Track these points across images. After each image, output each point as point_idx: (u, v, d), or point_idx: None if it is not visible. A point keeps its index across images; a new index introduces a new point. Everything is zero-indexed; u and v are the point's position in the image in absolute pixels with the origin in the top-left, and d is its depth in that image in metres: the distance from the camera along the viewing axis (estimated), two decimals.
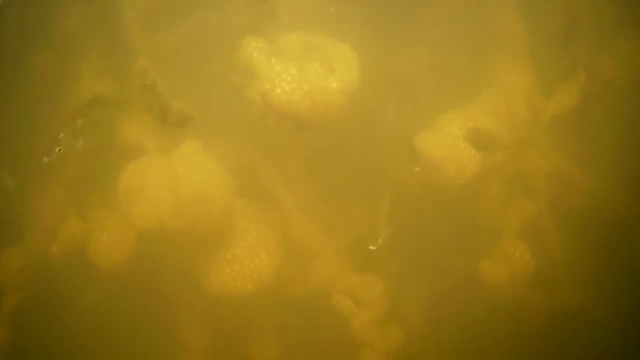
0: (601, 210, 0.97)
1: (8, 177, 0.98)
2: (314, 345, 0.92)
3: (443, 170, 0.93)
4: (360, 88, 0.93)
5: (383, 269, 0.94)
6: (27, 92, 1.02)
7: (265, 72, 0.92)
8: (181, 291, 0.93)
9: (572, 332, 0.93)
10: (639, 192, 0.98)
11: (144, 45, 1.00)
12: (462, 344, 0.92)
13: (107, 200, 0.92)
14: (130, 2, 1.03)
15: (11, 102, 1.01)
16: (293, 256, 0.93)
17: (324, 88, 0.91)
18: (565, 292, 0.95)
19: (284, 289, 0.93)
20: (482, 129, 0.94)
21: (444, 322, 0.93)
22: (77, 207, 0.95)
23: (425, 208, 0.95)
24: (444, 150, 0.93)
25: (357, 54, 0.94)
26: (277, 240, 0.93)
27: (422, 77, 1.00)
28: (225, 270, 0.91)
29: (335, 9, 1.01)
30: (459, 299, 0.93)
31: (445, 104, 0.97)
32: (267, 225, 0.94)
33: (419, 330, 0.93)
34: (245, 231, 0.93)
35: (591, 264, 0.95)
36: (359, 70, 0.93)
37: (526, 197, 0.97)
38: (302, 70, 0.91)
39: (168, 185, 0.89)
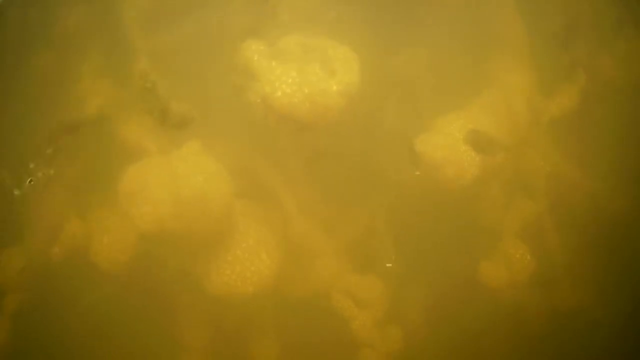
0: (601, 211, 0.97)
1: (8, 177, 0.97)
2: (314, 346, 0.92)
3: (443, 172, 0.93)
4: (360, 90, 0.93)
5: (383, 270, 0.94)
6: (27, 92, 1.02)
7: (265, 74, 0.92)
8: (181, 292, 0.93)
9: (572, 332, 0.94)
10: (639, 192, 0.98)
11: (144, 46, 1.00)
12: (462, 345, 0.92)
13: (108, 201, 0.92)
14: (131, 2, 1.03)
15: (11, 102, 1.01)
16: (293, 257, 0.93)
17: (325, 90, 0.91)
18: (566, 293, 0.95)
19: (284, 290, 0.93)
20: (481, 131, 0.94)
21: (444, 323, 0.93)
22: (78, 208, 0.95)
23: (426, 209, 0.95)
24: (444, 152, 0.93)
25: (357, 55, 0.94)
26: (277, 241, 0.93)
27: (422, 77, 1.00)
28: (225, 271, 0.91)
29: (335, 10, 1.01)
30: (459, 299, 0.94)
31: (445, 104, 0.97)
32: (267, 226, 0.94)
33: (419, 330, 0.93)
34: (246, 232, 0.93)
35: (591, 264, 0.96)
36: (359, 71, 0.93)
37: (526, 198, 0.97)
38: (303, 72, 0.91)
39: (168, 186, 0.89)
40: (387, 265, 0.93)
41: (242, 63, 0.93)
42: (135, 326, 0.93)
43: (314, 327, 0.93)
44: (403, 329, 0.92)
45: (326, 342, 0.92)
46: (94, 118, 0.99)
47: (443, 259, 0.94)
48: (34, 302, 0.94)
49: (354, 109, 0.93)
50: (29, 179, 0.96)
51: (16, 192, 0.96)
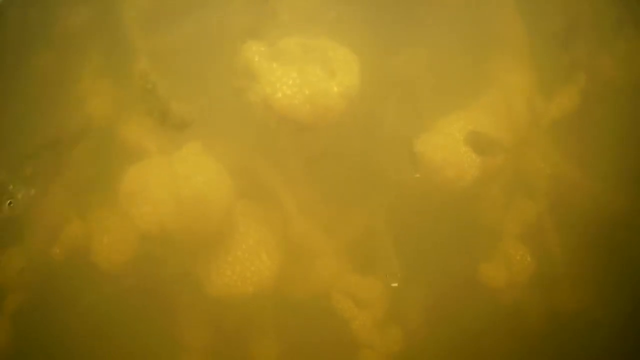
0: (601, 211, 0.97)
1: (8, 177, 0.97)
2: (314, 346, 0.92)
3: (443, 173, 0.93)
4: (360, 91, 0.93)
5: (384, 271, 0.94)
6: (27, 92, 1.01)
7: (266, 75, 0.92)
8: (182, 292, 0.93)
9: (572, 332, 0.94)
10: (639, 192, 0.98)
11: (144, 46, 1.00)
12: (462, 345, 0.92)
13: (108, 201, 0.93)
14: (131, 3, 1.03)
15: (11, 102, 1.01)
16: (293, 257, 0.93)
17: (325, 92, 0.91)
18: (566, 293, 0.95)
19: (284, 290, 0.93)
20: (481, 132, 0.94)
21: (444, 323, 0.93)
22: (78, 208, 0.95)
23: (426, 210, 0.95)
24: (444, 153, 0.93)
25: (358, 56, 0.94)
26: (277, 242, 0.93)
27: (422, 77, 1.00)
28: (225, 271, 0.91)
29: (335, 10, 1.01)
30: (459, 300, 0.94)
31: (445, 105, 0.97)
32: (267, 226, 0.94)
33: (419, 331, 0.93)
34: (246, 232, 0.93)
35: (591, 264, 0.96)
36: (359, 72, 0.93)
37: (526, 199, 0.97)
38: (303, 73, 0.91)
39: (169, 187, 0.89)
40: (393, 285, 0.93)
41: (243, 64, 0.93)
42: (135, 326, 0.93)
43: (314, 327, 0.93)
44: (403, 329, 0.93)
45: (326, 343, 0.92)
46: (93, 118, 0.99)
47: (443, 260, 0.94)
48: (34, 302, 0.94)
49: (354, 109, 0.93)
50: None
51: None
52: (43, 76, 1.02)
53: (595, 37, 1.05)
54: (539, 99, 1.00)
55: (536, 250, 0.95)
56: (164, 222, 0.89)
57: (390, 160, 0.95)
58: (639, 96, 1.03)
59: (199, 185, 0.90)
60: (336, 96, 0.91)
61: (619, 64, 1.04)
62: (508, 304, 0.94)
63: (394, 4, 1.05)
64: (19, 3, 1.06)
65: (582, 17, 1.05)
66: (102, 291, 0.93)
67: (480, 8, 1.06)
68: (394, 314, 0.93)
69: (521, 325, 0.94)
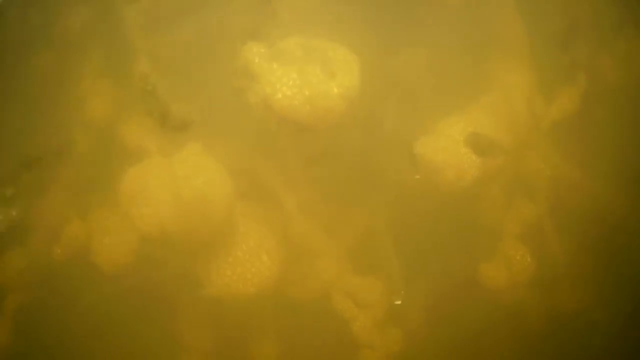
0: (602, 212, 0.97)
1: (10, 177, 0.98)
2: (314, 347, 0.92)
3: (443, 174, 0.93)
4: (360, 91, 0.93)
5: (384, 271, 0.94)
6: (27, 92, 1.01)
7: (266, 76, 0.92)
8: (182, 292, 0.93)
9: (572, 333, 0.94)
10: (639, 193, 0.98)
11: (145, 46, 1.00)
12: (462, 346, 0.92)
13: (109, 202, 0.93)
14: (131, 3, 1.03)
15: (11, 102, 1.01)
16: (294, 258, 0.94)
17: (325, 93, 0.91)
18: (565, 294, 0.95)
19: (284, 291, 0.93)
20: (481, 133, 0.94)
21: (444, 324, 0.93)
22: (79, 209, 0.95)
23: (426, 210, 0.95)
24: (444, 154, 0.93)
25: (358, 57, 0.94)
26: (277, 242, 0.93)
27: (423, 78, 1.00)
28: (226, 272, 0.91)
29: (335, 10, 1.01)
30: (459, 300, 0.94)
31: (445, 105, 0.97)
32: (267, 227, 0.94)
33: (419, 331, 0.93)
34: (246, 233, 0.93)
35: (591, 265, 0.96)
36: (360, 73, 0.93)
37: (527, 200, 0.97)
38: (303, 74, 0.91)
39: (169, 187, 0.90)
40: (396, 302, 0.93)
41: (243, 64, 0.93)
42: (135, 326, 0.93)
43: (314, 327, 0.93)
44: (403, 329, 0.93)
45: (326, 343, 0.92)
46: (93, 119, 0.99)
47: (443, 260, 0.94)
48: (35, 302, 0.94)
49: (354, 110, 0.93)
50: None
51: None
52: (43, 76, 1.02)
53: (595, 37, 1.05)
54: (539, 100, 1.00)
55: (536, 250, 0.95)
56: (164, 222, 0.89)
57: (390, 161, 0.95)
58: (639, 96, 1.03)
59: (199, 186, 0.90)
60: (336, 97, 0.91)
61: (619, 64, 1.04)
62: (508, 304, 0.94)
63: (394, 4, 1.04)
64: (19, 3, 1.05)
65: (582, 17, 1.05)
66: (103, 291, 0.93)
67: (480, 8, 1.06)
68: (394, 314, 0.93)
69: (521, 326, 0.94)
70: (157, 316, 0.94)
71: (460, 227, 0.96)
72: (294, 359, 0.93)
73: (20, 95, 1.01)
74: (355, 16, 1.02)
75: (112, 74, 1.01)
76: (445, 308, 0.94)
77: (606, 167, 0.98)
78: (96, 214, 0.94)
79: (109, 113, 0.98)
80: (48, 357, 0.94)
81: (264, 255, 0.92)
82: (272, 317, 0.93)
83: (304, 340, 0.93)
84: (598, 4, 1.06)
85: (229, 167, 0.92)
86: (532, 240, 0.95)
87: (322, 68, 0.92)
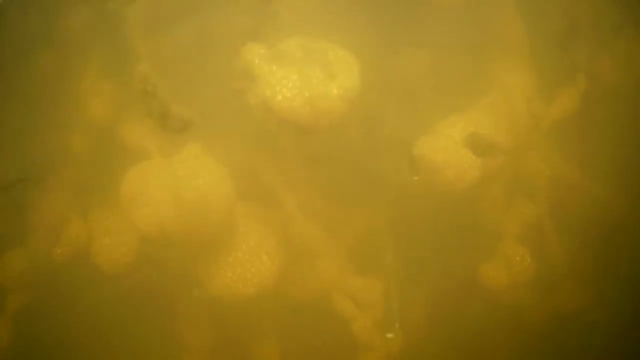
0: (602, 212, 0.97)
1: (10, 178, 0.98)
2: (314, 347, 0.92)
3: (443, 174, 0.92)
4: (360, 93, 0.92)
5: (384, 272, 0.94)
6: (27, 92, 1.01)
7: (266, 77, 0.91)
8: (182, 293, 0.93)
9: (572, 333, 0.94)
10: (639, 193, 0.98)
11: (145, 47, 0.99)
12: (463, 346, 0.93)
13: (109, 203, 0.93)
14: (131, 3, 1.03)
15: (11, 102, 1.01)
16: (294, 258, 0.93)
17: (325, 94, 0.90)
18: (566, 294, 0.95)
19: (284, 291, 0.93)
20: (481, 133, 0.94)
21: (445, 324, 0.94)
22: (80, 209, 0.95)
23: (426, 211, 0.95)
24: (444, 154, 0.92)
25: (358, 58, 0.94)
26: (278, 242, 0.93)
27: (423, 78, 1.00)
28: (226, 273, 0.91)
29: (335, 11, 1.01)
30: (460, 301, 0.94)
31: (445, 106, 0.96)
32: (268, 227, 0.94)
33: (419, 332, 0.93)
34: (247, 234, 0.93)
35: (591, 265, 0.96)
36: (360, 74, 0.93)
37: (527, 200, 0.97)
38: (303, 76, 0.91)
39: (169, 188, 0.90)
40: (389, 335, 0.94)
41: (243, 66, 0.93)
42: (135, 327, 0.93)
43: (314, 328, 0.93)
44: (403, 330, 0.93)
45: (326, 343, 0.93)
46: (94, 119, 0.99)
47: (443, 260, 0.95)
48: (35, 302, 0.94)
49: (354, 111, 0.93)
50: None
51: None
52: (43, 76, 1.02)
53: (595, 37, 1.05)
54: (539, 100, 1.00)
55: (536, 250, 0.95)
56: (165, 223, 0.89)
57: (390, 162, 0.95)
58: (639, 96, 1.03)
59: (199, 186, 0.90)
60: (336, 98, 0.91)
61: (619, 64, 1.04)
62: (508, 305, 0.94)
63: (394, 4, 1.04)
64: (19, 3, 1.05)
65: (582, 17, 1.05)
66: (103, 291, 0.93)
67: (480, 8, 1.06)
68: (395, 314, 0.93)
69: (521, 326, 0.94)
70: (157, 316, 0.94)
71: (460, 227, 0.96)
72: (294, 359, 0.93)
73: (20, 95, 1.01)
74: (356, 17, 1.01)
75: (112, 74, 1.01)
76: (446, 308, 0.94)
77: (606, 167, 0.98)
78: (96, 214, 0.94)
79: (109, 113, 0.98)
80: (48, 357, 0.94)
81: (264, 256, 0.92)
82: (272, 317, 0.94)
83: (304, 341, 0.93)
84: (598, 4, 1.06)
85: (229, 168, 0.92)
86: (532, 240, 0.95)
87: (322, 69, 0.92)
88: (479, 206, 0.96)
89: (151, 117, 0.95)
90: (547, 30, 1.04)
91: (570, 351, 0.93)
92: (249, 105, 0.92)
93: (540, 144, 0.99)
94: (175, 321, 0.94)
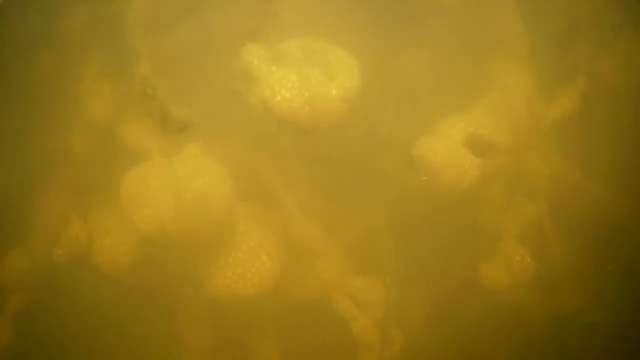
0: (602, 212, 0.97)
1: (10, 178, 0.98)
2: (314, 347, 0.92)
3: (443, 174, 0.92)
4: (360, 93, 0.92)
5: (384, 272, 0.95)
6: (27, 92, 1.01)
7: (265, 78, 0.91)
8: (182, 293, 0.93)
9: (572, 333, 0.94)
10: (639, 194, 0.98)
11: (145, 47, 0.99)
12: (463, 347, 0.93)
13: (109, 203, 0.93)
14: (132, 4, 1.03)
15: (11, 102, 1.01)
16: (294, 258, 0.93)
17: (324, 95, 0.90)
18: (566, 295, 0.95)
19: (284, 291, 0.93)
20: (480, 134, 0.94)
21: (445, 324, 0.94)
22: (80, 209, 0.95)
23: (426, 211, 0.95)
24: (444, 155, 0.92)
25: (358, 58, 0.94)
26: (278, 242, 0.93)
27: (423, 78, 1.00)
28: (226, 273, 0.91)
29: (335, 11, 1.01)
30: (460, 301, 0.94)
31: (445, 106, 0.96)
32: (268, 227, 0.94)
33: (419, 332, 0.93)
34: (247, 234, 0.93)
35: (592, 266, 0.96)
36: (360, 75, 0.93)
37: (527, 200, 0.97)
38: (302, 76, 0.91)
39: (169, 188, 0.90)
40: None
41: (242, 66, 0.93)
42: (135, 327, 0.93)
43: (314, 328, 0.93)
44: (403, 330, 0.93)
45: (326, 343, 0.93)
46: (94, 119, 0.99)
47: (443, 260, 0.95)
48: (36, 302, 0.94)
49: (354, 111, 0.93)
50: None
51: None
52: (43, 77, 1.02)
53: (595, 37, 1.04)
54: (539, 100, 1.00)
55: (536, 250, 0.95)
56: (165, 223, 0.89)
57: (390, 162, 0.95)
58: (639, 96, 1.03)
59: (199, 187, 0.90)
60: (335, 99, 0.91)
61: (619, 64, 1.04)
62: (508, 305, 0.94)
63: (394, 4, 1.04)
64: (19, 3, 1.05)
65: (582, 17, 1.05)
66: (103, 292, 0.93)
67: (480, 8, 1.06)
68: (395, 315, 0.93)
69: (521, 326, 0.94)
70: (157, 316, 0.94)
71: (460, 227, 0.96)
72: (294, 359, 0.93)
73: (20, 95, 1.01)
74: (356, 17, 1.01)
75: (112, 74, 1.01)
76: (445, 308, 0.94)
77: (606, 167, 0.98)
78: (96, 214, 0.94)
79: (109, 113, 0.98)
80: (48, 357, 0.94)
81: (264, 256, 0.92)
82: (272, 317, 0.94)
83: (304, 341, 0.93)
84: (598, 4, 1.06)
85: (229, 168, 0.92)
86: (532, 240, 0.95)
87: (322, 70, 0.92)
88: (479, 206, 0.96)
89: (151, 118, 0.95)
90: (547, 30, 1.04)
91: (570, 351, 0.93)
92: (248, 106, 0.92)
93: (540, 144, 0.99)
94: (175, 321, 0.94)
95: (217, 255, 0.91)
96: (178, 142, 0.94)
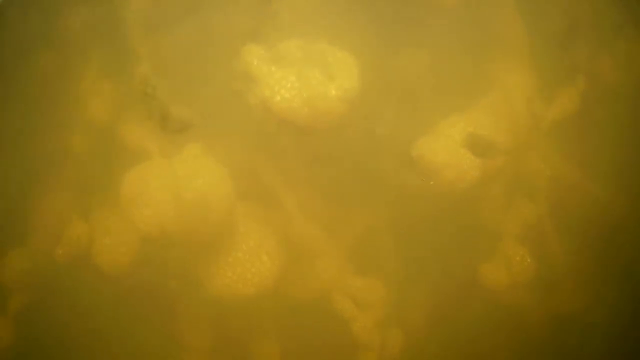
0: (602, 212, 0.97)
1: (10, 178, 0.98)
2: (314, 347, 0.92)
3: (443, 175, 0.93)
4: (360, 93, 0.93)
5: (384, 272, 0.95)
6: (27, 92, 1.01)
7: (265, 78, 0.92)
8: (182, 293, 0.93)
9: (572, 333, 0.94)
10: (639, 194, 0.98)
11: (145, 47, 0.99)
12: (463, 346, 0.93)
13: (110, 203, 0.93)
14: (132, 4, 1.03)
15: (11, 102, 1.01)
16: (294, 258, 0.94)
17: (323, 95, 0.91)
18: (566, 295, 0.95)
19: (284, 291, 0.93)
20: (480, 134, 0.94)
21: (445, 324, 0.94)
22: (80, 209, 0.95)
23: (426, 211, 0.95)
24: (443, 155, 0.92)
25: (357, 58, 0.94)
26: (278, 242, 0.93)
27: (422, 78, 1.00)
28: (227, 273, 0.91)
29: (335, 11, 1.01)
30: (460, 301, 0.94)
31: (445, 106, 0.97)
32: (268, 227, 0.94)
33: (419, 332, 0.93)
34: (247, 234, 0.93)
35: (591, 265, 0.96)
36: (359, 75, 0.93)
37: (527, 200, 0.97)
38: (302, 77, 0.91)
39: (169, 188, 0.90)
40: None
41: (242, 67, 0.93)
42: (136, 327, 0.93)
43: (314, 328, 0.93)
44: (403, 330, 0.93)
45: (326, 343, 0.93)
46: (94, 119, 0.99)
47: (443, 260, 0.95)
48: (36, 303, 0.94)
49: (354, 112, 0.93)
50: None
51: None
52: (43, 77, 1.02)
53: (595, 37, 1.04)
54: (539, 100, 1.00)
55: (536, 250, 0.95)
56: (165, 223, 0.89)
57: (390, 162, 0.95)
58: (639, 96, 1.03)
59: (199, 187, 0.90)
60: (334, 99, 0.91)
61: (619, 64, 1.03)
62: (508, 305, 0.94)
63: (393, 4, 1.04)
64: (19, 3, 1.05)
65: (582, 17, 1.05)
66: (103, 292, 0.93)
67: (480, 8, 1.06)
68: (395, 315, 0.93)
69: (521, 326, 0.94)
70: (157, 316, 0.94)
71: (460, 228, 0.96)
72: (294, 359, 0.93)
73: (20, 95, 1.01)
74: (356, 17, 1.01)
75: (112, 74, 1.01)
76: (445, 308, 0.94)
77: (606, 167, 0.98)
78: (97, 215, 0.94)
79: (109, 113, 0.98)
80: (49, 357, 0.94)
81: (264, 256, 0.92)
82: (272, 317, 0.94)
83: (304, 341, 0.93)
84: (598, 4, 1.06)
85: (229, 168, 0.92)
86: (532, 240, 0.95)
87: (321, 70, 0.92)
88: (479, 206, 0.96)
89: (151, 118, 0.95)
90: (547, 30, 1.04)
91: (570, 351, 0.93)
92: (248, 106, 0.93)
93: (540, 144, 0.98)
94: (175, 321, 0.94)
95: (217, 255, 0.91)
96: (178, 142, 0.94)
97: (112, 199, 0.92)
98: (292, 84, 0.91)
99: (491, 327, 0.93)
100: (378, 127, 0.96)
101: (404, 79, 0.99)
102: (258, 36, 0.96)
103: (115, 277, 0.92)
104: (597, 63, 1.03)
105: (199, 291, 0.92)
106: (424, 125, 0.95)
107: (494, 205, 0.96)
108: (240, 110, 0.93)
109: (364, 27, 1.00)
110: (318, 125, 0.92)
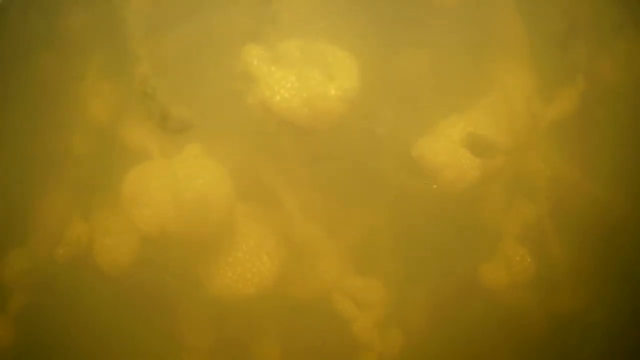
0: (602, 212, 0.97)
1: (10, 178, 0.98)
2: (315, 347, 0.92)
3: (443, 175, 0.93)
4: (360, 94, 0.93)
5: (384, 272, 0.95)
6: (27, 92, 1.01)
7: (265, 78, 0.92)
8: (182, 293, 0.93)
9: (572, 333, 0.94)
10: (639, 194, 0.98)
11: (145, 47, 0.99)
12: (463, 346, 0.92)
13: (110, 203, 0.93)
14: (132, 5, 1.03)
15: (11, 102, 1.01)
16: (294, 258, 0.94)
17: (323, 95, 0.91)
18: (566, 295, 0.95)
19: (285, 291, 0.93)
20: (480, 134, 0.94)
21: (445, 324, 0.94)
22: (81, 209, 0.95)
23: (426, 211, 0.95)
24: (443, 155, 0.92)
25: (357, 58, 0.94)
26: (278, 242, 0.93)
27: (422, 78, 1.00)
28: (227, 273, 0.91)
29: (335, 12, 1.01)
30: (460, 301, 0.94)
31: (445, 106, 0.96)
32: (268, 227, 0.94)
33: (419, 332, 0.93)
34: (247, 234, 0.93)
35: (591, 265, 0.96)
36: (359, 75, 0.93)
37: (527, 200, 0.97)
38: (302, 77, 0.91)
39: (170, 189, 0.90)
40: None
41: (242, 67, 0.93)
42: (136, 327, 0.93)
43: (315, 328, 0.93)
44: (403, 330, 0.93)
45: (327, 343, 0.93)
46: (94, 119, 0.99)
47: (443, 260, 0.94)
48: (37, 303, 0.94)
49: (353, 112, 0.93)
50: None
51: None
52: (43, 77, 1.02)
53: (595, 37, 1.04)
54: (539, 100, 1.00)
55: (536, 251, 0.95)
56: (165, 223, 0.90)
57: (390, 162, 0.95)
58: (639, 96, 1.03)
59: (199, 187, 0.90)
60: (334, 99, 0.91)
61: (619, 64, 1.03)
62: (508, 305, 0.94)
63: (394, 4, 1.04)
64: (19, 3, 1.05)
65: (582, 18, 1.05)
66: (104, 292, 0.93)
67: (480, 8, 1.05)
68: (395, 315, 0.93)
69: (521, 326, 0.94)
70: (157, 316, 0.94)
71: (461, 228, 0.96)
72: (294, 359, 0.93)
73: (20, 95, 1.01)
74: (356, 17, 1.01)
75: (112, 74, 1.00)
76: (446, 308, 0.94)
77: (606, 167, 0.98)
78: (97, 215, 0.94)
79: (109, 114, 0.98)
80: (49, 357, 0.94)
81: (264, 256, 0.92)
82: (273, 317, 0.94)
83: (304, 340, 0.93)
84: (598, 4, 1.06)
85: (229, 168, 0.92)
86: (532, 240, 0.95)
87: (321, 70, 0.92)
88: (479, 206, 0.96)
89: (151, 118, 0.95)
90: (547, 30, 1.04)
91: (570, 351, 0.93)
92: (248, 106, 0.93)
93: (540, 144, 0.98)
94: (176, 321, 0.94)
95: (217, 255, 0.91)
96: (178, 142, 0.94)
97: (112, 199, 0.92)
98: (292, 84, 0.91)
99: (491, 327, 0.93)
100: (378, 127, 0.96)
101: (404, 79, 0.99)
102: (258, 36, 0.96)
103: (115, 277, 0.92)
104: (597, 63, 1.03)
105: (199, 291, 0.92)
106: (424, 125, 0.95)
107: (494, 205, 0.96)
108: (240, 110, 0.93)
109: (364, 27, 1.00)
110: (318, 125, 0.92)
